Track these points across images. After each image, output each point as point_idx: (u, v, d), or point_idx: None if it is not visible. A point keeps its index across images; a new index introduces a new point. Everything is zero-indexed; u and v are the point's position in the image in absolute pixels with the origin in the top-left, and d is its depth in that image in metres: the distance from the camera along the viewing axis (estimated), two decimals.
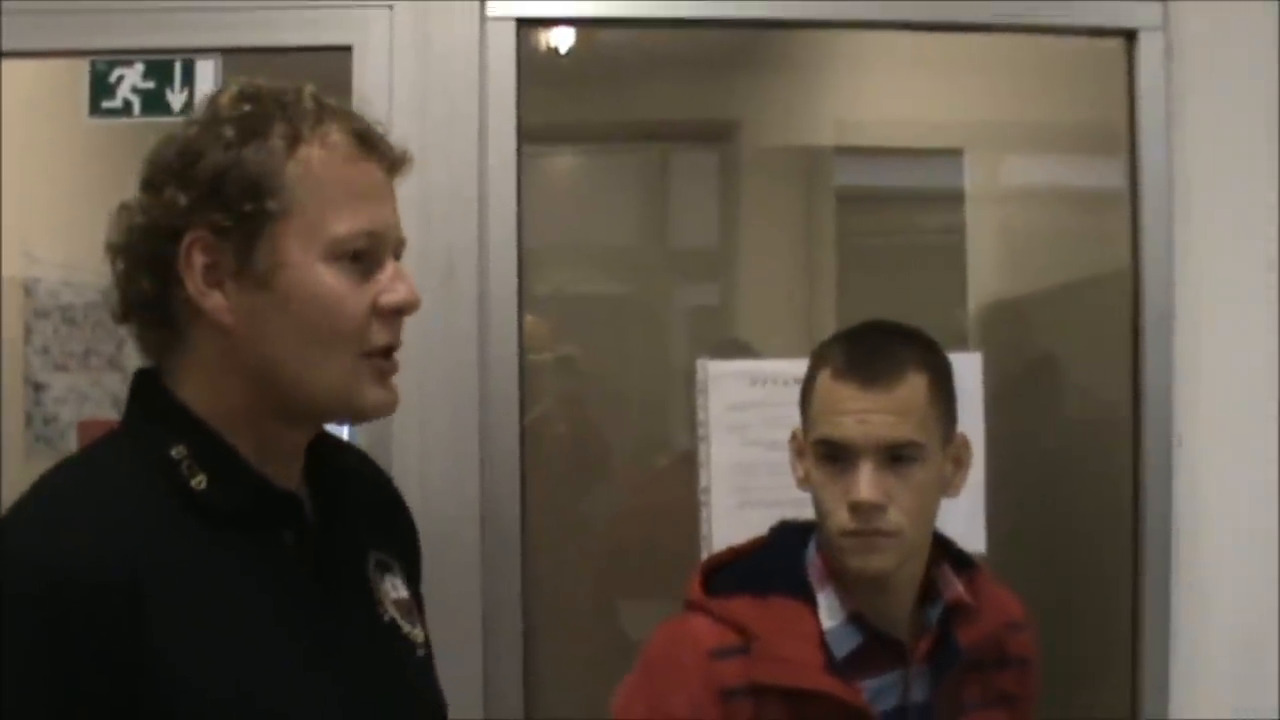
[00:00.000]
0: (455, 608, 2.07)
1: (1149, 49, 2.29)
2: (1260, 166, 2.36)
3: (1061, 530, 2.38)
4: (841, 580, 1.63)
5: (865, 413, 1.57)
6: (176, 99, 2.13)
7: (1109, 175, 2.37)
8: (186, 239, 1.23)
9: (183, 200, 1.23)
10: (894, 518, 1.57)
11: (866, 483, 1.56)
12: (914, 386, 1.59)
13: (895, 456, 1.58)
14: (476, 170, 2.14)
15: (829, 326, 1.95)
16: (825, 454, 1.60)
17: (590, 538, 2.29)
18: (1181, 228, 2.32)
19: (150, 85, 2.13)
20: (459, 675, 2.03)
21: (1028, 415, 2.35)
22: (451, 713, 1.46)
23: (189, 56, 2.14)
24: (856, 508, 1.56)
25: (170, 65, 2.13)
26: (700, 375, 2.13)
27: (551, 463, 2.26)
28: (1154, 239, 2.29)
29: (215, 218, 1.22)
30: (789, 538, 1.71)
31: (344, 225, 1.25)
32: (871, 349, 1.61)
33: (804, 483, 1.67)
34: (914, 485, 1.59)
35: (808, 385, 1.66)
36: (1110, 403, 2.34)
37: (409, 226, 1.35)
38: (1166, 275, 2.29)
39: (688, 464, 2.13)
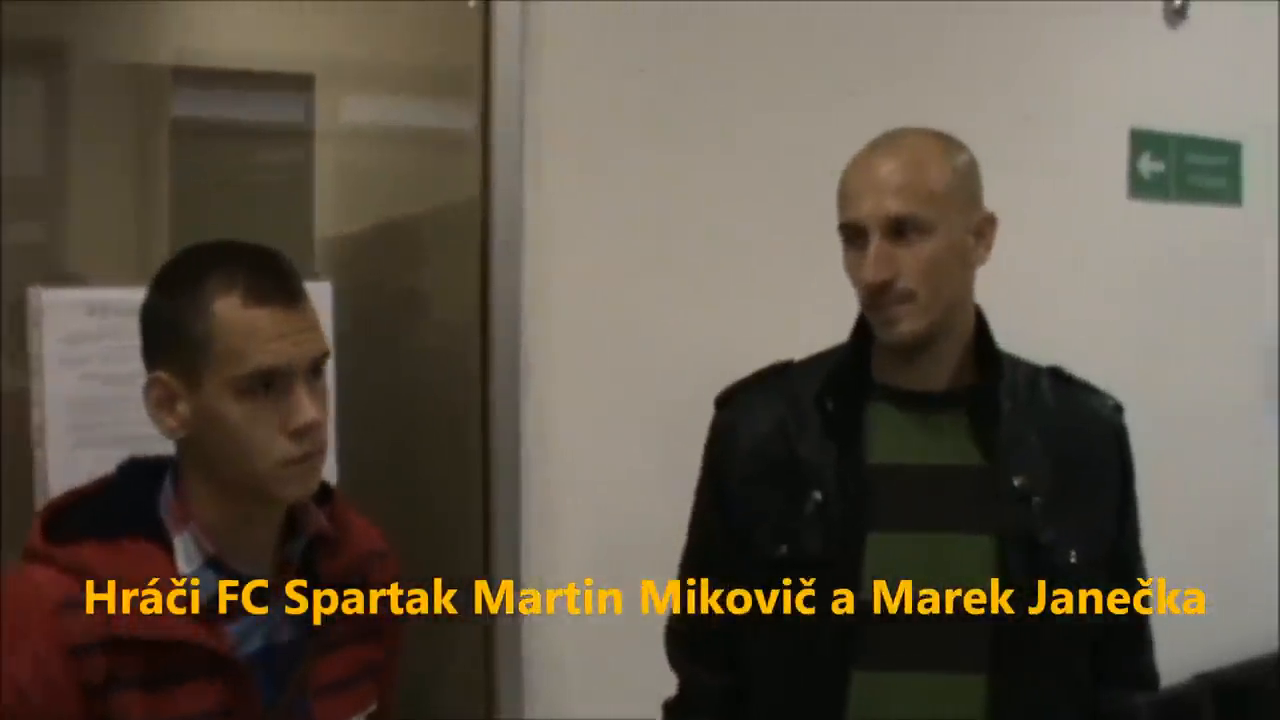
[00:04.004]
0: None
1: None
2: (605, 102, 2.53)
3: (414, 459, 2.40)
4: (201, 522, 1.54)
5: (298, 333, 1.52)
6: None
7: (460, 116, 2.41)
8: None
9: None
10: (324, 431, 1.55)
11: (310, 403, 1.51)
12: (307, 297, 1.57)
13: (315, 370, 1.55)
14: None
15: (164, 257, 1.79)
16: (259, 385, 1.50)
17: None
18: (531, 167, 2.41)
19: None
20: None
21: (379, 346, 2.34)
22: None
23: None
24: (304, 431, 1.51)
25: None
26: (33, 304, 1.92)
27: None
28: (504, 179, 2.37)
29: None
30: (139, 477, 1.58)
31: None
32: (269, 270, 1.54)
33: (179, 430, 1.54)
34: (325, 395, 1.57)
35: (196, 325, 1.50)
36: (461, 334, 2.40)
37: None
38: (515, 212, 2.37)
39: (21, 402, 1.94)
